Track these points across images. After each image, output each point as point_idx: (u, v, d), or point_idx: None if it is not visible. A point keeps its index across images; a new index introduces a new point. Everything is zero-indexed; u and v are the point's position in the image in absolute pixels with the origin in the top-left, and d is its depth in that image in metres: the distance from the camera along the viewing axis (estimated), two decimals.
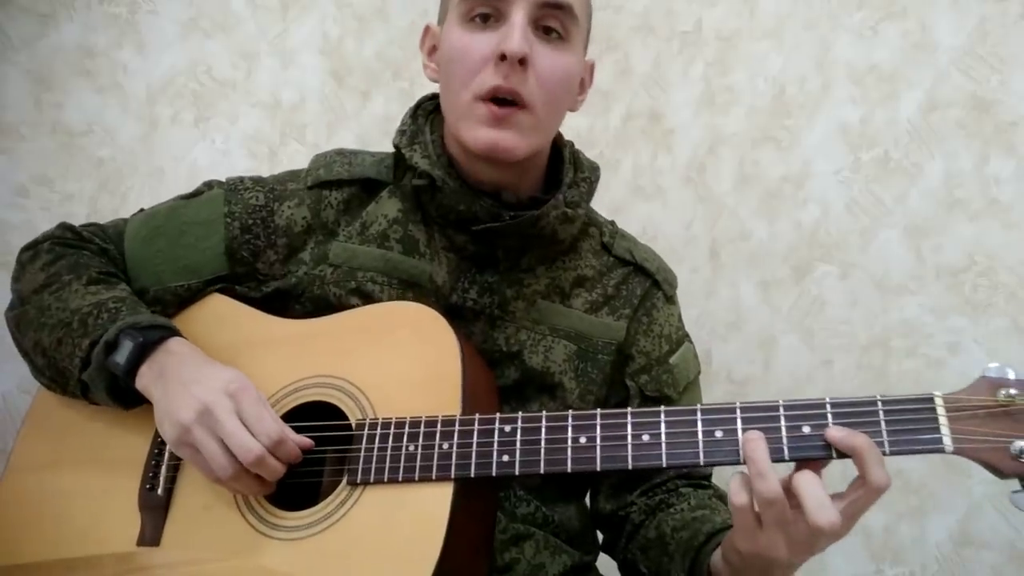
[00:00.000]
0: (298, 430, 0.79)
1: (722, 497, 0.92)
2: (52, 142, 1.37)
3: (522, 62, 0.82)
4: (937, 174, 1.28)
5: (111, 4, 1.43)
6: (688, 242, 1.64)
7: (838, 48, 1.41)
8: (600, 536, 0.99)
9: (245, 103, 1.55)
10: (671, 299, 0.99)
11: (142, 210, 1.00)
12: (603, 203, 1.81)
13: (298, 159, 1.57)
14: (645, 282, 0.97)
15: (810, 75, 1.45)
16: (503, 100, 0.84)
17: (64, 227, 0.97)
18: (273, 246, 0.93)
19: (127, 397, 0.84)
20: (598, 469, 0.73)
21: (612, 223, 1.02)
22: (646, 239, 1.74)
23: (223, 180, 0.98)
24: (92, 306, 0.85)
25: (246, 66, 1.56)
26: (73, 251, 0.94)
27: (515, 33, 0.82)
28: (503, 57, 0.82)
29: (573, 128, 1.90)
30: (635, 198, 1.76)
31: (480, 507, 0.79)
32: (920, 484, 1.27)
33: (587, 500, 1.00)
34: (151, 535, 0.82)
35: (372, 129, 1.71)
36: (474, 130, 0.84)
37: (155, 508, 0.83)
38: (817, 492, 0.65)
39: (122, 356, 0.81)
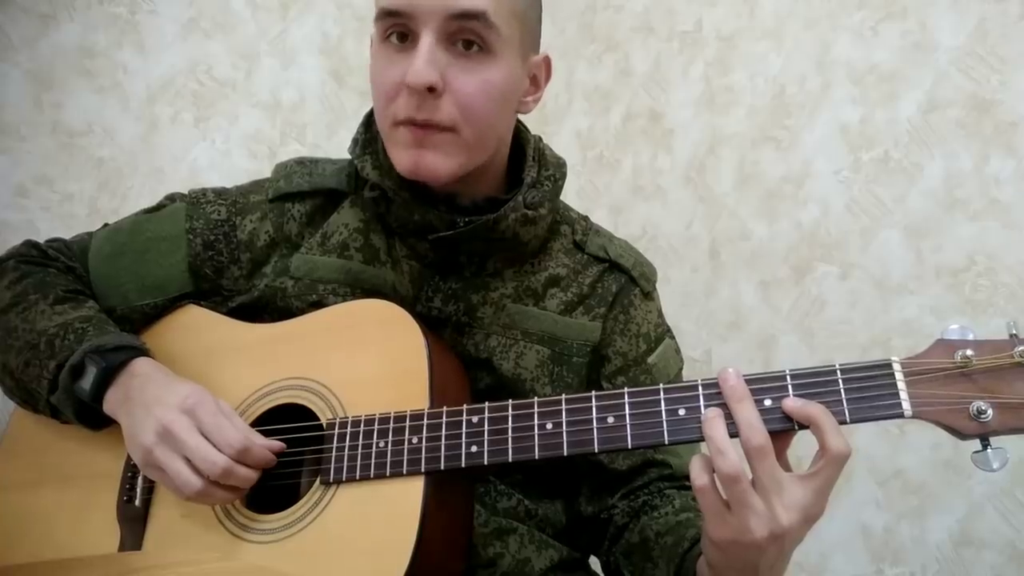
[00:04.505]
0: (269, 433, 0.78)
1: None
2: (52, 142, 1.37)
3: (431, 90, 0.77)
4: (937, 174, 1.28)
5: (111, 4, 1.43)
6: (688, 242, 1.64)
7: (838, 48, 1.41)
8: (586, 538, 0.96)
9: (245, 103, 1.55)
10: (649, 295, 0.95)
11: (106, 225, 0.98)
12: (603, 203, 1.83)
13: None
14: (621, 279, 0.93)
15: (810, 75, 1.45)
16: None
17: (29, 244, 0.96)
18: (237, 262, 0.91)
19: (96, 420, 0.83)
20: (565, 454, 0.72)
21: (585, 219, 0.98)
22: (646, 239, 1.76)
23: (185, 192, 0.96)
24: (59, 327, 0.83)
25: (246, 66, 1.56)
26: (39, 269, 0.92)
27: (417, 61, 0.76)
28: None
29: (573, 128, 1.91)
30: (635, 198, 1.76)
31: (454, 499, 0.79)
32: (920, 484, 1.27)
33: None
34: (131, 546, 0.82)
35: None
36: (397, 153, 0.81)
37: (134, 519, 0.83)
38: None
39: (88, 382, 0.80)
